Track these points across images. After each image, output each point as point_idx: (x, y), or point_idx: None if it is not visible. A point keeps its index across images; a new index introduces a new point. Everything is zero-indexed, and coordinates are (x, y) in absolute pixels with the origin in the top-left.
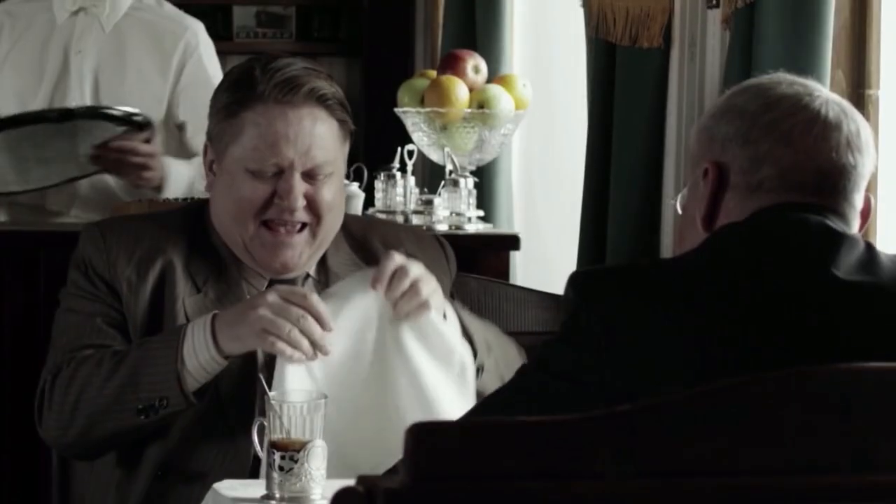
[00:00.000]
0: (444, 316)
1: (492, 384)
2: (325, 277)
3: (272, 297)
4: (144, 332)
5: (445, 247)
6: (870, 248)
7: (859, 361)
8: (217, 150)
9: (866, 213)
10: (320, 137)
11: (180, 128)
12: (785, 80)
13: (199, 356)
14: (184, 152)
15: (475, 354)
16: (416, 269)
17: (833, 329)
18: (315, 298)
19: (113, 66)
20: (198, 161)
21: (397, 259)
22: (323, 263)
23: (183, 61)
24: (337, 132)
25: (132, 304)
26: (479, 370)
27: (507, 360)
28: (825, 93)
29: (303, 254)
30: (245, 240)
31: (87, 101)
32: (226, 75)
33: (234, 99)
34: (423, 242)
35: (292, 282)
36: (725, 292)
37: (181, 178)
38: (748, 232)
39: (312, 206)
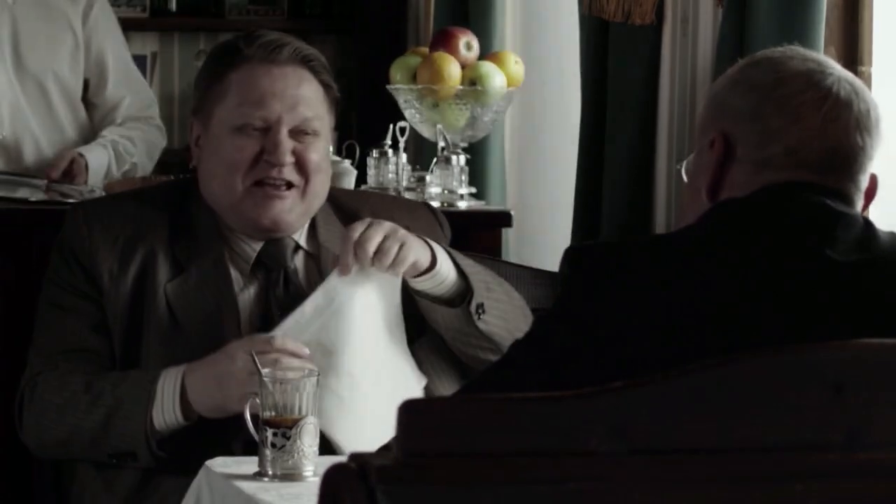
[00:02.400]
0: (434, 262)
1: (496, 323)
2: (315, 250)
3: (240, 359)
4: (126, 322)
5: (437, 214)
6: (868, 225)
7: (852, 339)
8: (202, 119)
9: (871, 193)
10: (306, 97)
11: (84, 87)
12: (798, 54)
13: (167, 419)
14: (83, 108)
15: (472, 293)
16: (378, 231)
17: (828, 307)
18: (278, 337)
19: (29, 35)
20: (110, 143)
21: (357, 228)
22: (313, 236)
23: (84, 19)
24: (322, 95)
25: (113, 295)
26: (480, 308)
27: (510, 299)
28: (838, 70)
29: (292, 210)
30: (234, 201)
31: (12, 76)
32: (210, 51)
33: (218, 65)
34: (414, 212)
35: (282, 247)
36: (720, 269)
37: (101, 164)
38: (747, 209)
39: (301, 164)
